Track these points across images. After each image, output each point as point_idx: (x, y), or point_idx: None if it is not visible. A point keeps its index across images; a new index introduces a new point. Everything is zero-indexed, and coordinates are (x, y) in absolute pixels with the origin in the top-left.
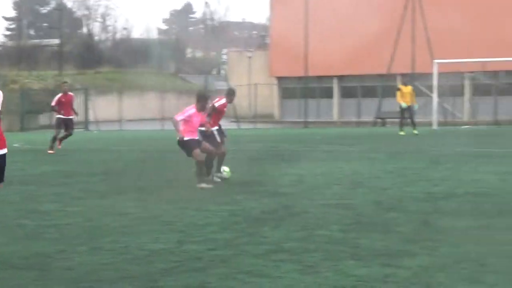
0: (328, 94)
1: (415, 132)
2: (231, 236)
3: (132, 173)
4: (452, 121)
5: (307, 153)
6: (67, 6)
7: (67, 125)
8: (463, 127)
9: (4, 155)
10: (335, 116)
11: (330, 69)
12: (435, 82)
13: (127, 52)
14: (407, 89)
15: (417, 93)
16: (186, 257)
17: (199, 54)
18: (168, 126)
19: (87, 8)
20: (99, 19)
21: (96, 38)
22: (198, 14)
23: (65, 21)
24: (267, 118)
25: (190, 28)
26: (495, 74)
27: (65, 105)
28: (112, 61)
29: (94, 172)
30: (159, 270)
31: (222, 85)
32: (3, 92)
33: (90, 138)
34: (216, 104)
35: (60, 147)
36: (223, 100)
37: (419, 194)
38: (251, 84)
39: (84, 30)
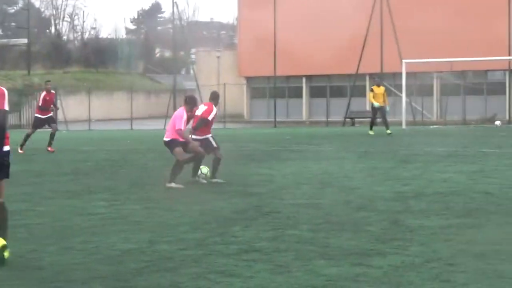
0: (297, 94)
1: (388, 132)
2: (202, 236)
3: (102, 173)
4: (421, 121)
5: (277, 153)
6: (35, 6)
7: (49, 123)
8: (432, 126)
9: (8, 152)
10: (304, 116)
11: (298, 69)
12: (403, 81)
13: (96, 51)
14: (380, 89)
15: (387, 93)
16: (157, 257)
17: (167, 54)
18: (137, 126)
19: (55, 7)
20: (67, 19)
21: (64, 37)
22: (166, 14)
23: (33, 20)
24: (236, 118)
25: (159, 28)
26: (463, 74)
27: (48, 103)
28: (81, 61)
29: (64, 172)
30: (130, 270)
31: (191, 85)
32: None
33: (59, 138)
34: (210, 117)
35: (53, 149)
36: (213, 110)
37: (389, 194)
38: (220, 84)
39: (52, 30)
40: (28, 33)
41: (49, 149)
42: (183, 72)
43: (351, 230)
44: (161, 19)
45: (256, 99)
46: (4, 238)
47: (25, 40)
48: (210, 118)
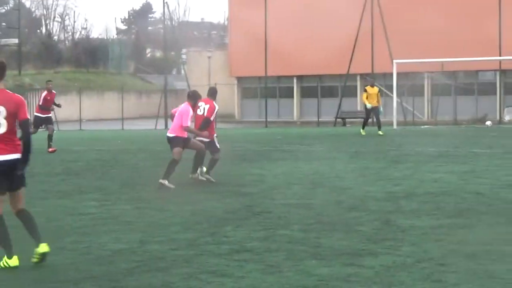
0: (288, 94)
1: (380, 133)
2: (193, 236)
3: (93, 173)
4: (412, 121)
5: (268, 153)
6: (26, 6)
7: (47, 123)
8: (423, 127)
9: (17, 159)
10: (295, 116)
11: (289, 69)
12: (394, 82)
13: (86, 52)
14: (374, 90)
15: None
16: (148, 257)
17: (158, 54)
18: (128, 126)
19: (46, 7)
20: (57, 19)
21: (55, 38)
22: (157, 14)
23: (23, 21)
24: (227, 118)
25: (149, 28)
26: (454, 74)
27: (48, 103)
28: (71, 61)
29: (55, 172)
30: (121, 270)
31: (182, 85)
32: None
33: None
34: (212, 117)
35: (54, 149)
36: (215, 108)
37: (380, 194)
38: (211, 84)
39: (43, 30)
40: (19, 33)
41: (49, 150)
42: (174, 72)
43: (342, 230)
44: (152, 19)
45: (247, 99)
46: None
47: (15, 40)
48: (212, 118)
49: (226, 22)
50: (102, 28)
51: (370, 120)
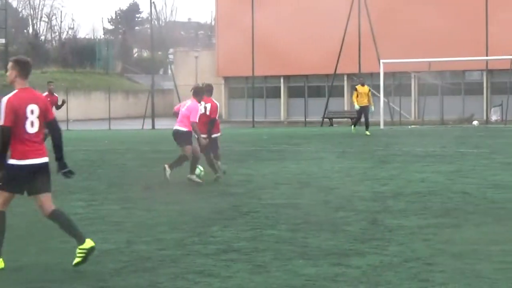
0: (275, 94)
1: (367, 133)
2: (180, 236)
3: (80, 173)
4: (399, 121)
5: (255, 153)
6: (13, 6)
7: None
8: (410, 127)
9: (46, 163)
10: (282, 116)
11: (276, 69)
12: (381, 82)
13: (73, 52)
14: (364, 89)
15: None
16: (135, 257)
17: (145, 54)
18: (115, 126)
19: (33, 7)
20: (44, 19)
21: (42, 38)
22: (144, 14)
23: (10, 20)
24: None
25: (137, 28)
26: (441, 74)
27: (50, 105)
28: (59, 61)
29: None
30: (108, 270)
31: (169, 85)
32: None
33: None
34: (217, 116)
35: None
36: (218, 106)
37: (367, 194)
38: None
39: (30, 30)
40: (6, 33)
41: None
42: (161, 72)
43: (330, 230)
44: (139, 19)
45: (234, 99)
46: (78, 239)
47: (2, 40)
48: (217, 117)
49: (213, 22)
50: (89, 28)
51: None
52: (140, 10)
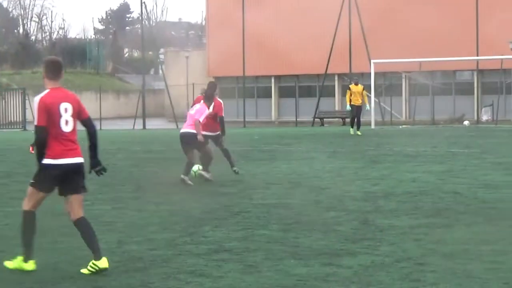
0: (266, 94)
1: (358, 133)
2: (171, 236)
3: None
4: (390, 121)
5: (246, 153)
6: (3, 6)
7: None
8: (401, 126)
9: (81, 164)
10: (273, 116)
11: (267, 69)
12: (372, 82)
13: (64, 52)
14: (358, 88)
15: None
16: (126, 257)
17: (136, 54)
18: (106, 126)
19: (23, 7)
20: (35, 19)
21: (33, 38)
22: (135, 14)
23: (0, 20)
24: None
25: (127, 28)
26: (431, 74)
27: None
28: None
29: (33, 173)
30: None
31: (160, 85)
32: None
33: (28, 138)
34: (224, 114)
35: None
36: (220, 102)
37: (358, 194)
38: (189, 84)
39: (20, 30)
40: None
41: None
42: (152, 72)
43: (321, 230)
44: (130, 19)
45: (225, 99)
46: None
47: None
48: (224, 115)
49: (204, 22)
50: (79, 28)
51: (349, 120)
52: (131, 10)
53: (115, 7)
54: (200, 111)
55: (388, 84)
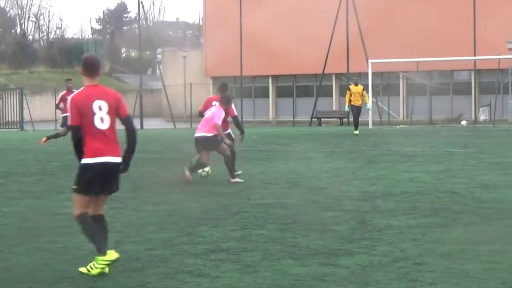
0: (264, 93)
1: (356, 132)
2: (169, 236)
3: (69, 173)
4: (388, 121)
5: (244, 153)
6: (0, 6)
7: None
8: (398, 126)
9: (118, 164)
10: (271, 116)
11: (265, 68)
12: (370, 81)
13: (62, 51)
14: (358, 88)
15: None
16: (124, 257)
17: (133, 53)
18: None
19: (20, 7)
20: (32, 19)
21: (30, 37)
22: (132, 14)
23: None
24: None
25: (124, 28)
26: (429, 74)
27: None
28: (47, 60)
29: (30, 172)
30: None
31: (157, 85)
32: None
33: (25, 138)
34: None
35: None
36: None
37: (356, 193)
38: (186, 84)
39: (18, 29)
40: None
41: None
42: (149, 72)
43: (318, 230)
44: (127, 19)
45: None
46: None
47: None
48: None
49: (201, 22)
50: (77, 28)
51: (346, 119)
52: (128, 10)
53: (112, 7)
54: (218, 115)
55: (386, 84)
